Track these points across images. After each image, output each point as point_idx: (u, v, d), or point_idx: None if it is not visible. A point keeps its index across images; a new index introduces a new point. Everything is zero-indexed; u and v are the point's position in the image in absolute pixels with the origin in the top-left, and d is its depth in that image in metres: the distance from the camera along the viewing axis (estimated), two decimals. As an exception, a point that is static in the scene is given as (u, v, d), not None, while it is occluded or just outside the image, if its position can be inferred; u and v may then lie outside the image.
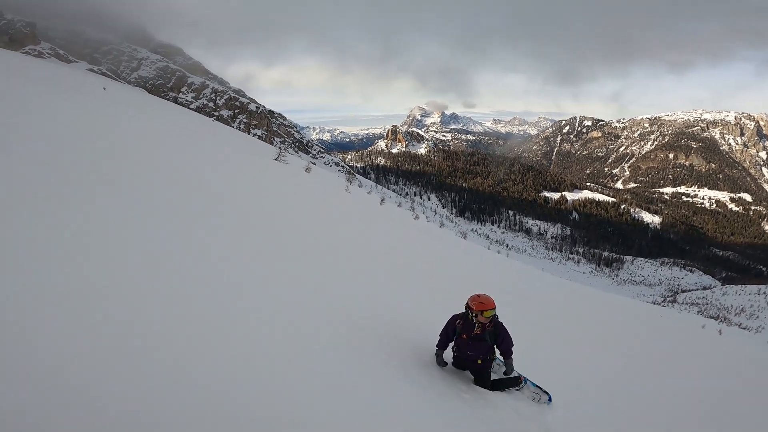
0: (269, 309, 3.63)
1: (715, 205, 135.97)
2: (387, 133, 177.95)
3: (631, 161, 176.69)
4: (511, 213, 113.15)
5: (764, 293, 57.32)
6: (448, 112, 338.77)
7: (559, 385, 4.59)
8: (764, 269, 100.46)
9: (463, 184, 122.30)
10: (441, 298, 6.62)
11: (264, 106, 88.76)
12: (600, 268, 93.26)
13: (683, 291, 74.22)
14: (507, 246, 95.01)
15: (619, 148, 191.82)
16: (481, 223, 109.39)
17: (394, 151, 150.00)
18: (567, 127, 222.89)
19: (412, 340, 4.39)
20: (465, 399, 3.69)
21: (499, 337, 4.01)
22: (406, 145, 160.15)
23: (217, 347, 2.64)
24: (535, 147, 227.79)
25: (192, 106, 69.10)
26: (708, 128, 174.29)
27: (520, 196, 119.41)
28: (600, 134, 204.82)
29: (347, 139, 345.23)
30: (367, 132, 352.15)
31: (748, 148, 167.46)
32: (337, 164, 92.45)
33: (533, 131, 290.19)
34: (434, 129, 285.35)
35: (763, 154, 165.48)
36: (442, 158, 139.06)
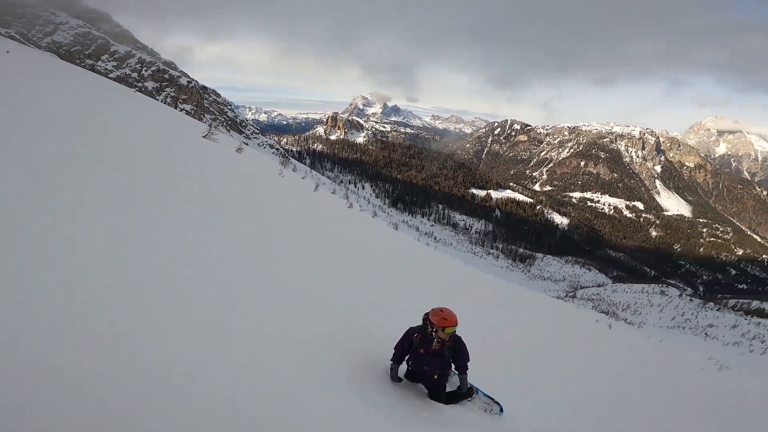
0: (175, 307, 3.08)
1: (612, 211, 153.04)
2: (327, 119, 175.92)
3: (549, 166, 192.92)
4: (440, 207, 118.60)
5: (647, 292, 64.36)
6: (390, 104, 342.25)
7: (504, 391, 4.62)
8: (648, 270, 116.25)
9: (398, 176, 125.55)
10: (381, 295, 6.46)
11: (197, 81, 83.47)
12: (515, 264, 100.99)
13: (582, 287, 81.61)
14: (435, 239, 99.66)
15: (540, 152, 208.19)
16: (412, 215, 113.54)
17: (333, 137, 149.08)
18: (498, 129, 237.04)
19: (360, 348, 4.05)
20: (425, 417, 3.58)
21: (458, 352, 3.85)
22: (345, 132, 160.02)
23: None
24: (468, 145, 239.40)
25: (111, 75, 63.07)
26: (616, 141, 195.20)
27: (450, 192, 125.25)
28: (526, 138, 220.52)
29: (284, 122, 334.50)
30: (306, 116, 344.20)
31: (646, 161, 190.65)
32: (271, 146, 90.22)
33: (468, 130, 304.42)
34: (375, 119, 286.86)
35: (657, 168, 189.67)
36: (380, 149, 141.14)
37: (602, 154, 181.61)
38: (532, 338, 9.16)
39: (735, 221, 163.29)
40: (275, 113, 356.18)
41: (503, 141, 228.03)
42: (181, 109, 65.45)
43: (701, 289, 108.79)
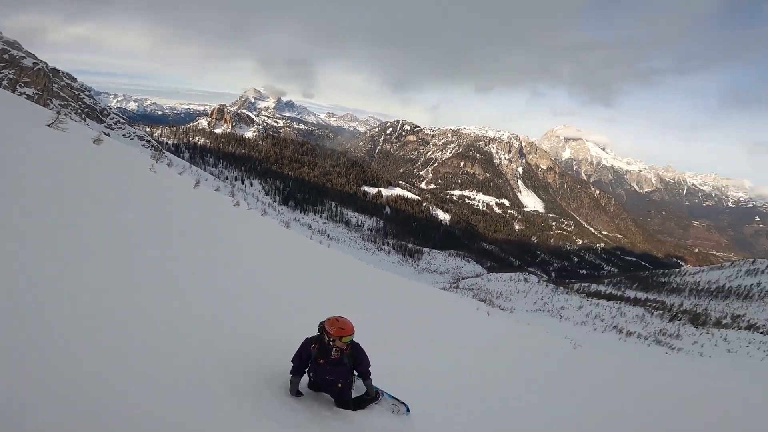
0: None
1: (485, 208, 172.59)
2: (212, 111, 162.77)
3: (434, 165, 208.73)
4: (333, 204, 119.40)
5: (514, 280, 73.01)
6: (285, 99, 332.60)
7: (406, 388, 4.65)
8: (514, 260, 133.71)
9: (290, 173, 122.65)
10: (275, 300, 6.21)
11: (46, 63, 70.23)
12: (405, 258, 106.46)
13: (463, 278, 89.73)
14: (329, 236, 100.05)
15: (427, 152, 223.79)
16: (305, 213, 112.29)
17: (218, 131, 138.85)
18: (390, 129, 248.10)
19: (256, 362, 3.87)
20: (334, 427, 3.56)
21: (358, 359, 3.83)
22: (233, 126, 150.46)
23: None
24: (361, 144, 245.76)
25: None
26: (489, 144, 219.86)
27: (343, 189, 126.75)
28: (415, 139, 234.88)
29: (159, 112, 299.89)
30: (187, 107, 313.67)
31: (512, 163, 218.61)
32: (141, 138, 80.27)
33: (362, 128, 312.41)
34: (267, 114, 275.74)
35: (520, 169, 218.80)
36: (271, 144, 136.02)
37: (478, 156, 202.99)
38: (425, 332, 9.48)
39: (576, 216, 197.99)
40: (148, 102, 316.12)
41: (394, 140, 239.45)
42: (20, 93, 54.66)
43: (553, 275, 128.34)
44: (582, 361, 13.64)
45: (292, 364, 3.76)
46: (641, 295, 70.96)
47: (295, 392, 3.77)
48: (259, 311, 5.53)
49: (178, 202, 11.09)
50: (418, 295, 15.53)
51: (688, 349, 34.48)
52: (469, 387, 6.52)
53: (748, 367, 29.44)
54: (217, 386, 3.22)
